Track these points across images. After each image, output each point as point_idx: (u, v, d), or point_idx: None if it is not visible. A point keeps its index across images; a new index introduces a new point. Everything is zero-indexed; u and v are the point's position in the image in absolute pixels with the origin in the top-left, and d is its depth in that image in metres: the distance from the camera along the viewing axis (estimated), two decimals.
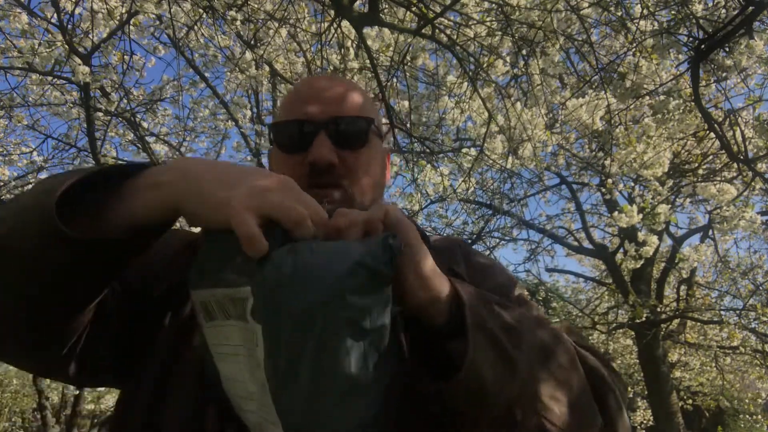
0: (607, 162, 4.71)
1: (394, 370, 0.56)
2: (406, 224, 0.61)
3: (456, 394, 0.59)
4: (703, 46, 2.94)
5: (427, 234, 0.85)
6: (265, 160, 5.38)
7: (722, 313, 7.25)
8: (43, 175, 4.93)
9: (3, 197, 4.60)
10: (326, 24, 3.38)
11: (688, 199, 7.01)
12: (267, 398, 0.52)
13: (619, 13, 3.67)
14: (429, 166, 4.72)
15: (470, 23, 3.40)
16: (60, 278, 0.57)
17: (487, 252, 6.79)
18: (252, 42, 3.76)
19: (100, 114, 4.33)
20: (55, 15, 3.38)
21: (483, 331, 0.59)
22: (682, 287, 8.45)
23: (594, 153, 6.07)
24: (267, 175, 0.57)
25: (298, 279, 0.50)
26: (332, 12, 3.24)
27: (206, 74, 4.64)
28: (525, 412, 0.59)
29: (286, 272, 0.50)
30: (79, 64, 3.29)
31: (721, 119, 3.77)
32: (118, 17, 3.47)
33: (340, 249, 0.52)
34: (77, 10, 3.53)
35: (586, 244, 8.32)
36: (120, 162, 4.10)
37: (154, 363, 0.69)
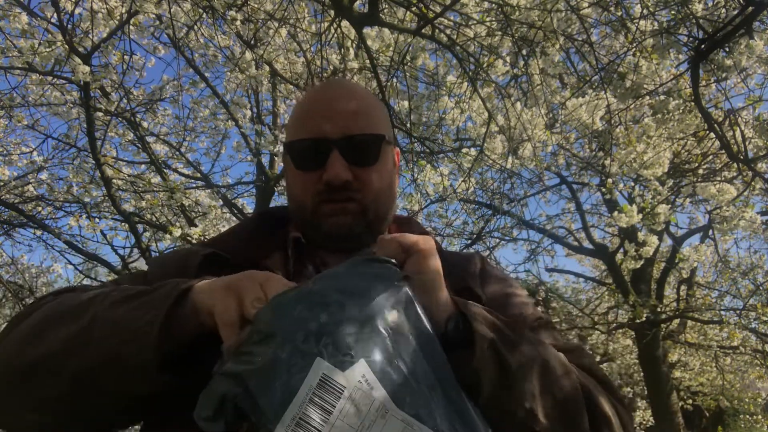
0: (607, 162, 4.71)
1: None
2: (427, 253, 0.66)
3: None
4: (703, 46, 2.94)
5: (443, 248, 0.88)
6: (265, 160, 5.39)
7: (722, 313, 7.23)
8: (43, 175, 4.94)
9: (3, 197, 4.60)
10: (326, 24, 3.38)
11: (688, 199, 6.98)
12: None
13: (619, 13, 3.66)
14: (429, 166, 4.71)
15: (470, 23, 3.40)
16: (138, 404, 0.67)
17: (487, 252, 6.79)
18: (252, 42, 3.76)
19: (100, 114, 4.32)
20: (55, 15, 3.38)
21: (486, 342, 0.64)
22: (682, 287, 8.43)
23: (594, 153, 6.07)
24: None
25: None
26: (332, 12, 3.24)
27: (206, 74, 4.66)
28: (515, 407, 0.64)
29: None
30: (79, 64, 3.28)
31: (721, 119, 3.77)
32: (118, 17, 3.47)
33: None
34: (77, 10, 3.53)
35: (586, 244, 8.30)
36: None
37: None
